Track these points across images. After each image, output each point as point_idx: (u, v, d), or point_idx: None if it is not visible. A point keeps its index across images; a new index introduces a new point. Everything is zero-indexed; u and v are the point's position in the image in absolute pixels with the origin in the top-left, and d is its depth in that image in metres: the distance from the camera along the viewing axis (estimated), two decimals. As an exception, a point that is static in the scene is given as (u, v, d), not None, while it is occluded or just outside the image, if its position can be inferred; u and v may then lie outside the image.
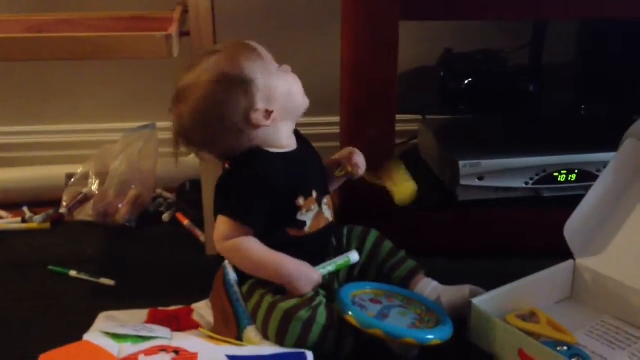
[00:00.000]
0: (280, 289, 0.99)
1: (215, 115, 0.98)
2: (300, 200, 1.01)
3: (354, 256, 1.06)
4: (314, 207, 1.03)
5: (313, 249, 1.05)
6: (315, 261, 1.03)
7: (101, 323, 1.02)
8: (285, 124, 1.03)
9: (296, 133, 1.07)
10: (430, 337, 0.94)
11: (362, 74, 1.20)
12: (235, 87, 0.97)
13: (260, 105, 0.98)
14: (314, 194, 1.03)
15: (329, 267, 1.04)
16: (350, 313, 0.96)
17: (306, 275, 1.00)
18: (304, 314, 0.95)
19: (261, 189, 0.98)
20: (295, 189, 1.01)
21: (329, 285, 1.05)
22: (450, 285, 1.09)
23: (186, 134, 1.02)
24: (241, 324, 0.98)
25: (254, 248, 0.99)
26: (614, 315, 1.07)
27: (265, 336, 0.97)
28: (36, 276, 1.23)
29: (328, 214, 1.06)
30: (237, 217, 0.98)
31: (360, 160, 1.08)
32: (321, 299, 0.99)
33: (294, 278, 0.99)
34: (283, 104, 1.00)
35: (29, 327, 1.08)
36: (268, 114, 0.99)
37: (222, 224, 0.99)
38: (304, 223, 1.02)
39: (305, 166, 1.04)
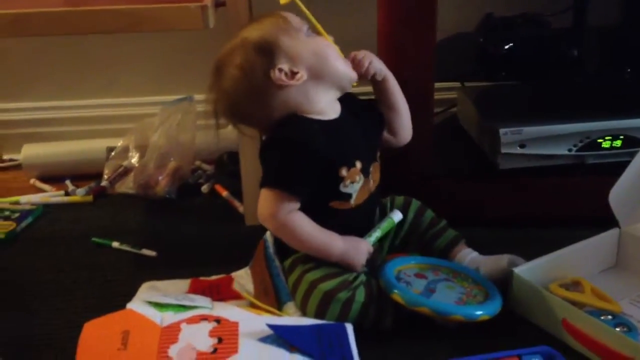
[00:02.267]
0: (323, 263, 0.99)
1: (243, 80, 0.99)
2: (343, 171, 0.99)
3: (396, 216, 1.04)
4: (359, 179, 1.01)
5: (360, 221, 1.04)
6: (362, 232, 1.03)
7: (144, 292, 1.04)
8: (320, 89, 1.01)
9: (346, 100, 1.05)
10: (479, 312, 0.94)
11: (399, 41, 1.18)
12: (254, 49, 0.98)
13: (284, 65, 0.98)
14: (358, 165, 1.00)
15: (375, 234, 1.03)
16: (396, 291, 0.95)
17: (356, 250, 1.00)
18: (343, 295, 0.95)
19: (300, 153, 0.96)
20: (336, 158, 0.98)
21: (372, 259, 1.04)
22: (489, 256, 1.08)
23: (224, 108, 1.02)
24: (281, 299, 0.99)
25: (304, 228, 0.98)
26: (660, 283, 1.05)
27: (304, 313, 0.97)
28: (80, 248, 1.25)
29: (371, 184, 1.04)
30: (278, 186, 0.97)
31: (360, 54, 1.04)
32: (362, 278, 0.98)
33: (345, 257, 0.99)
34: (313, 64, 0.99)
35: (73, 297, 1.10)
36: (293, 74, 0.98)
37: (266, 199, 0.98)
38: (349, 195, 1.00)
39: (347, 135, 1.02)
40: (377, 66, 1.05)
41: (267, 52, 0.98)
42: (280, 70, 0.98)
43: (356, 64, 1.04)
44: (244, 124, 1.05)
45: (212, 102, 1.03)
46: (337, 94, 1.03)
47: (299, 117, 1.00)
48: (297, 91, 0.99)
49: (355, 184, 1.00)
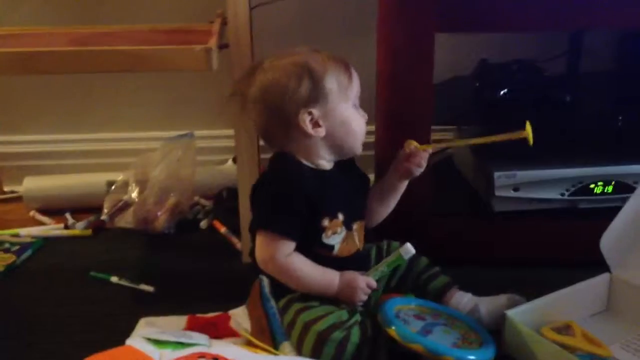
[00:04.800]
0: (317, 302, 1.01)
1: (277, 93, 0.99)
2: (325, 222, 1.01)
3: (407, 253, 1.02)
4: (341, 230, 1.02)
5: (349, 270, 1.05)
6: None
7: (142, 329, 1.04)
8: (327, 150, 1.03)
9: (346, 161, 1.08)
10: (471, 357, 0.94)
11: (398, 84, 1.21)
12: (307, 79, 0.99)
13: (316, 112, 0.99)
14: (340, 217, 1.02)
15: (380, 268, 1.04)
16: (393, 327, 0.96)
17: (351, 291, 1.01)
18: (337, 335, 0.96)
19: (290, 196, 0.99)
20: (319, 208, 1.00)
21: (367, 300, 1.05)
22: (486, 296, 1.09)
23: (251, 94, 1.02)
24: (276, 339, 1.00)
25: (303, 270, 1.00)
26: (650, 328, 1.07)
27: (300, 353, 0.97)
28: (78, 282, 1.26)
29: (357, 240, 1.06)
30: (273, 229, 0.99)
31: (422, 162, 1.08)
32: (357, 317, 0.99)
33: (343, 295, 1.01)
34: (336, 130, 1.01)
35: (72, 331, 1.11)
36: (317, 125, 1.00)
37: (263, 244, 1.00)
38: (331, 247, 1.02)
39: (333, 186, 1.03)
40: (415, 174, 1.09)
41: (315, 92, 0.99)
42: (310, 114, 0.99)
43: (414, 161, 1.08)
44: (251, 119, 1.05)
45: (245, 82, 1.03)
46: (337, 158, 1.06)
47: (295, 160, 1.02)
48: (308, 139, 1.01)
49: (337, 236, 1.02)
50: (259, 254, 1.01)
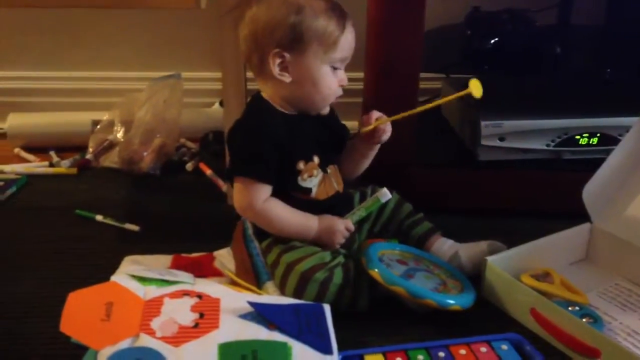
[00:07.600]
0: (300, 243, 1.02)
1: (260, 25, 0.97)
2: (301, 165, 1.01)
3: (384, 196, 1.04)
4: (317, 173, 1.03)
5: (328, 213, 1.05)
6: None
7: (127, 266, 1.05)
8: (291, 98, 1.01)
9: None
10: (451, 301, 0.96)
11: (388, 31, 1.19)
12: (292, 21, 0.96)
13: (288, 57, 0.98)
14: (316, 160, 1.03)
15: (358, 212, 1.05)
16: (376, 269, 0.98)
17: (330, 234, 1.02)
18: (320, 275, 0.97)
19: (265, 142, 0.98)
20: (293, 151, 1.00)
21: (349, 242, 1.06)
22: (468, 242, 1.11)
23: (241, 24, 1.01)
24: (260, 279, 1.01)
25: (281, 214, 1.01)
26: (627, 278, 1.09)
27: (283, 293, 0.99)
28: (63, 219, 1.26)
29: (334, 182, 1.06)
30: (250, 175, 0.99)
31: (386, 132, 1.06)
32: (340, 259, 1.01)
33: (322, 238, 1.02)
34: (303, 84, 0.99)
35: (55, 268, 1.12)
36: (284, 69, 0.98)
37: (241, 190, 1.00)
38: (309, 190, 1.03)
39: (307, 131, 1.03)
40: (383, 139, 1.07)
41: (293, 37, 0.97)
42: (282, 57, 0.97)
43: (375, 135, 1.05)
44: (239, 42, 1.03)
45: (247, 2, 1.01)
46: (299, 111, 1.03)
47: (268, 106, 1.01)
48: (275, 80, 0.99)
49: (314, 178, 1.03)
50: (237, 201, 1.02)
